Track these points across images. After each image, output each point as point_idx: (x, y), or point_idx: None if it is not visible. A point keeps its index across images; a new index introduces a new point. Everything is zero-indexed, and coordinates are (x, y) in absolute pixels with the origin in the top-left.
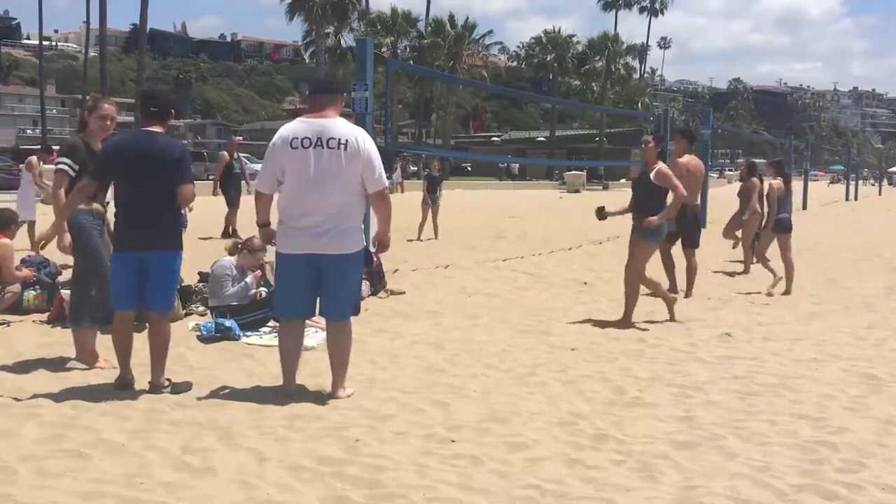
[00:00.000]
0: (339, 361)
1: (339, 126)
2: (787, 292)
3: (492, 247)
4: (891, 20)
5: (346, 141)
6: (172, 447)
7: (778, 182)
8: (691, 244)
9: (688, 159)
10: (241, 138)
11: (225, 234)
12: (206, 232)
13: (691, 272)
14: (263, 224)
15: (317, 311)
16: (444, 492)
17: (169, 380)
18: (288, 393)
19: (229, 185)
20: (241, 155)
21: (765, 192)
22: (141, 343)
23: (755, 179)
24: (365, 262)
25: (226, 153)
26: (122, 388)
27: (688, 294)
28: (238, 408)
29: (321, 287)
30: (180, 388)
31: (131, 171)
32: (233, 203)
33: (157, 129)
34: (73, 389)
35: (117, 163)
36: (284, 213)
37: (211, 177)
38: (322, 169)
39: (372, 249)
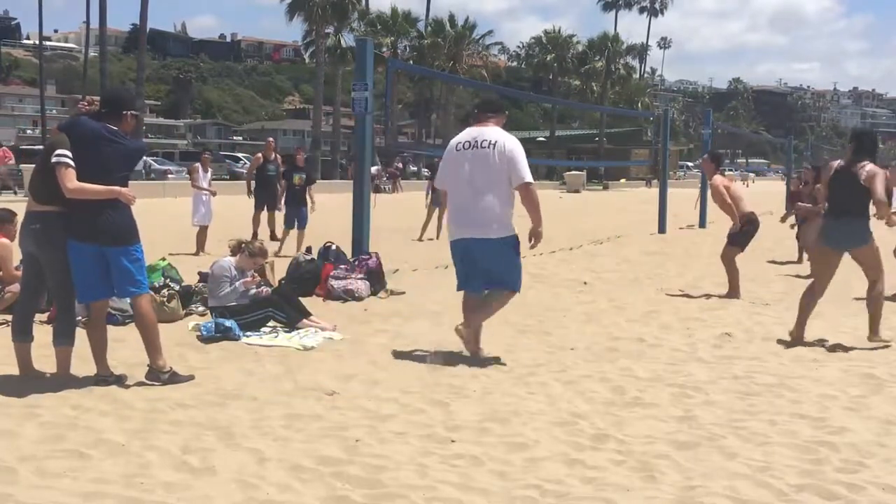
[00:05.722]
0: (484, 309)
1: (492, 131)
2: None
3: None
4: (888, 20)
5: (496, 142)
6: (172, 447)
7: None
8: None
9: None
10: (240, 138)
11: (254, 237)
12: (231, 234)
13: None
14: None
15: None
16: (444, 492)
17: (171, 368)
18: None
19: (261, 188)
20: (279, 156)
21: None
22: (131, 338)
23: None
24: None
25: (261, 154)
26: (100, 384)
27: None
28: (238, 408)
29: (482, 266)
30: (179, 378)
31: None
32: (261, 206)
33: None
34: (73, 389)
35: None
36: (448, 206)
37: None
38: (475, 166)
39: (529, 244)
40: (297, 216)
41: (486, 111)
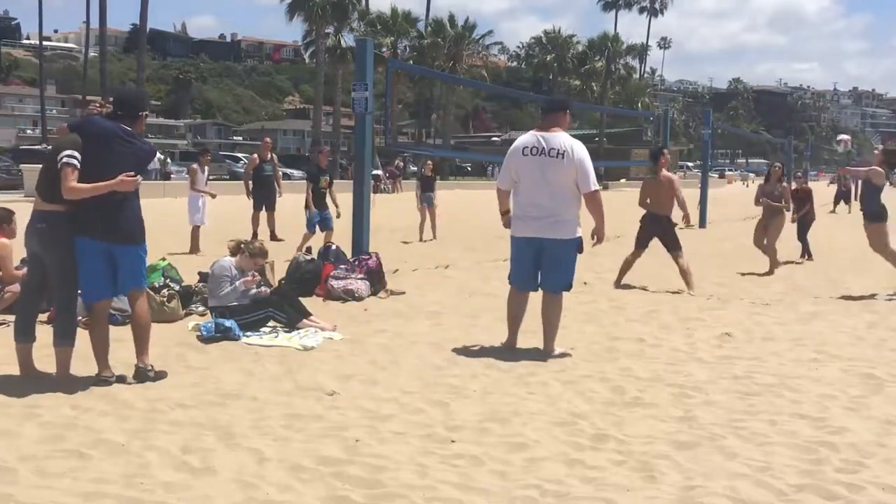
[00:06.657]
0: (550, 325)
1: (559, 138)
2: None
3: (492, 247)
4: (887, 20)
5: (565, 151)
6: (172, 447)
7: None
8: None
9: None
10: (240, 138)
11: (254, 237)
12: (231, 234)
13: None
14: (505, 212)
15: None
16: (444, 492)
17: (152, 366)
18: (510, 348)
19: (258, 187)
20: (275, 156)
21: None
22: (131, 338)
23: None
24: (578, 250)
25: (257, 155)
26: (101, 384)
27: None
28: (238, 408)
29: (541, 265)
30: (162, 374)
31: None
32: (260, 207)
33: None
34: (74, 390)
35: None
36: (515, 205)
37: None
38: (548, 172)
39: (591, 242)
40: (323, 218)
41: (551, 111)
